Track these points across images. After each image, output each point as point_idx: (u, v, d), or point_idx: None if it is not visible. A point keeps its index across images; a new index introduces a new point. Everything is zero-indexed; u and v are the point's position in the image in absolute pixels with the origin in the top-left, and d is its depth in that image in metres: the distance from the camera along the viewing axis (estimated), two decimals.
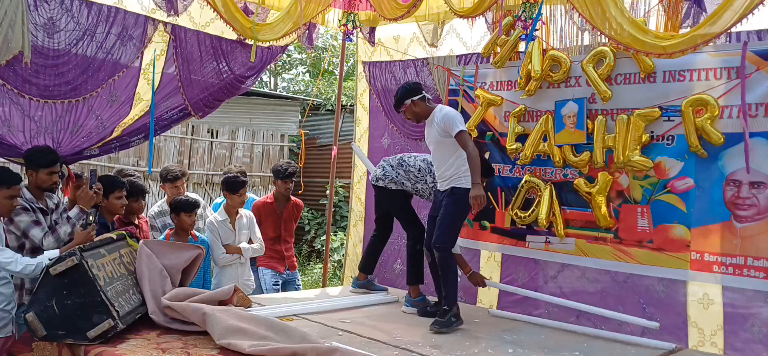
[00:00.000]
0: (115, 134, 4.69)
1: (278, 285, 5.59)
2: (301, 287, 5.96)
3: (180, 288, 3.91)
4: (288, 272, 5.73)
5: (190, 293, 3.79)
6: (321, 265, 9.62)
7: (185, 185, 5.44)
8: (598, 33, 4.23)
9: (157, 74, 4.82)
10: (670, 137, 4.29)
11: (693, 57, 4.13)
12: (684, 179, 4.22)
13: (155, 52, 4.81)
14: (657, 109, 4.31)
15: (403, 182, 4.82)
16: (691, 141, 4.12)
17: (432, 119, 4.41)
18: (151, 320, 3.63)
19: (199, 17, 4.99)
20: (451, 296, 4.18)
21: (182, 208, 4.75)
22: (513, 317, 4.57)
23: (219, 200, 6.14)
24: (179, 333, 3.48)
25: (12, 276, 3.58)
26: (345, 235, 7.59)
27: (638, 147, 4.37)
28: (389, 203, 4.95)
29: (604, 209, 4.56)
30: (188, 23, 4.96)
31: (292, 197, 5.88)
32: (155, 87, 4.78)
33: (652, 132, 4.37)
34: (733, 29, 3.85)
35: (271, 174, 5.97)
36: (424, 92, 4.49)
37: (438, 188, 4.51)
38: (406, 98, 4.45)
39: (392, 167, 4.87)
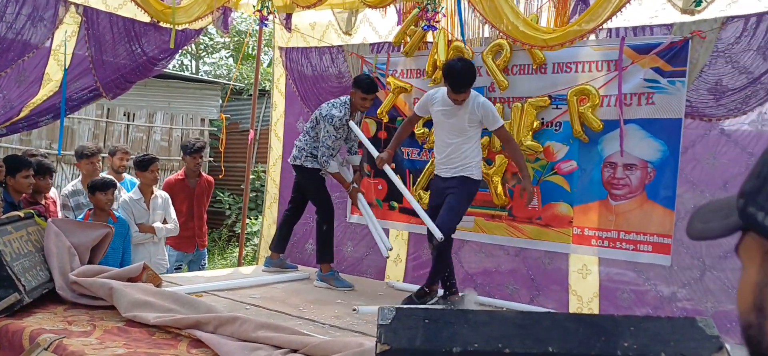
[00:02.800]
0: (23, 114, 4.68)
1: (180, 267, 5.69)
2: (206, 265, 6.06)
3: (89, 265, 3.97)
4: (197, 250, 5.84)
5: (99, 270, 3.86)
6: None
7: (100, 164, 5.46)
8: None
9: (68, 55, 4.82)
10: (558, 124, 4.69)
11: (578, 50, 4.53)
12: (569, 162, 4.63)
13: (66, 33, 4.81)
14: (547, 98, 4.69)
15: (311, 147, 4.91)
16: (575, 127, 4.53)
17: (464, 104, 4.19)
18: (59, 296, 3.69)
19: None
20: (434, 278, 4.34)
21: (98, 187, 4.77)
22: (415, 289, 4.86)
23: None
24: (86, 308, 3.56)
25: None
26: None
27: (530, 133, 4.74)
28: (303, 181, 5.07)
29: (499, 189, 4.93)
30: (100, 5, 4.98)
31: (204, 174, 5.98)
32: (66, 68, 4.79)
33: (542, 119, 4.75)
34: (612, 25, 4.29)
35: (181, 151, 6.04)
36: None
37: (438, 174, 4.47)
38: (472, 84, 4.15)
39: (300, 139, 5.03)
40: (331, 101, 4.97)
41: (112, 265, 4.36)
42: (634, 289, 4.31)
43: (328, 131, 4.76)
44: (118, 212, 5.06)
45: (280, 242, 5.33)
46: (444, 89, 4.25)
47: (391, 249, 4.92)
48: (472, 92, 4.21)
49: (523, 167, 4.29)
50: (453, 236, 5.21)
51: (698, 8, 4.03)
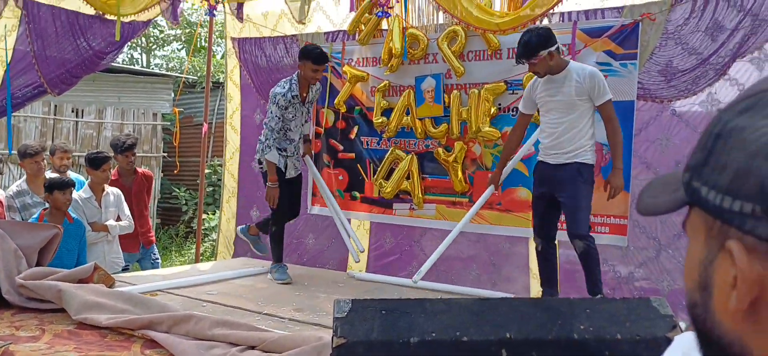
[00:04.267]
0: None
1: (127, 269, 5.47)
2: (159, 261, 5.87)
3: (37, 267, 3.83)
4: (143, 249, 5.67)
5: (48, 272, 3.73)
6: None
7: (45, 162, 5.25)
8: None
9: (8, 50, 4.62)
10: (515, 109, 4.69)
11: None
12: (526, 147, 4.64)
13: (6, 27, 4.61)
14: (503, 83, 4.70)
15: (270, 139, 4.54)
16: None
17: (566, 76, 3.75)
18: (5, 301, 3.55)
19: None
20: (599, 283, 3.78)
21: (56, 186, 4.62)
22: (376, 279, 4.85)
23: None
24: (35, 312, 3.44)
25: None
26: None
27: (488, 118, 4.75)
28: (262, 176, 4.72)
29: (460, 175, 4.93)
30: None
31: (140, 170, 5.80)
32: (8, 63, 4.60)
33: (499, 104, 4.76)
34: (564, 9, 4.31)
35: (111, 150, 5.76)
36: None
37: (545, 161, 3.93)
38: (542, 47, 3.67)
39: (261, 134, 4.66)
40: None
41: (67, 267, 4.21)
42: None
43: (271, 112, 4.50)
44: (74, 213, 4.90)
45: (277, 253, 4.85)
46: None
47: (363, 251, 4.82)
48: (577, 63, 3.91)
49: (619, 156, 3.75)
50: (417, 224, 5.21)
51: None
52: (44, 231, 4.06)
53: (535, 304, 1.86)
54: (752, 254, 0.52)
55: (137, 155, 5.72)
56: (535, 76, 3.92)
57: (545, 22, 4.38)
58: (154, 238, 5.90)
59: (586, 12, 4.42)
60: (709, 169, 0.56)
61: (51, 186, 4.61)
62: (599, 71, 3.83)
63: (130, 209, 5.49)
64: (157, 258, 5.86)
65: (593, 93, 3.70)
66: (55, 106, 8.89)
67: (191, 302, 3.91)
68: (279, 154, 4.62)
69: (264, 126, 4.62)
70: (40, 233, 4.03)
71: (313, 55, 4.49)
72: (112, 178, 5.62)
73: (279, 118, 4.53)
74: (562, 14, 4.46)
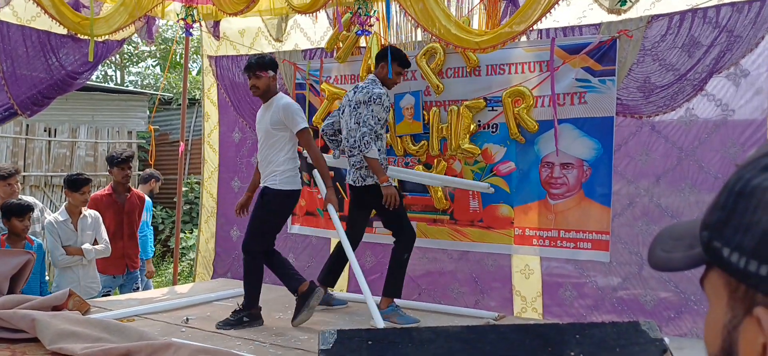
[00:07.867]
0: None
1: (109, 293, 5.33)
2: (140, 289, 5.73)
3: (8, 295, 3.72)
4: (128, 272, 5.54)
5: (20, 300, 3.62)
6: None
7: (19, 184, 5.10)
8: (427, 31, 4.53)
9: None
10: (494, 126, 4.70)
11: (510, 52, 4.56)
12: (507, 163, 4.64)
13: None
14: (482, 100, 4.70)
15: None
16: (511, 128, 4.55)
17: (270, 104, 4.08)
18: None
19: (24, 12, 4.72)
20: (250, 297, 4.01)
21: (13, 212, 4.51)
22: (357, 298, 4.78)
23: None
24: (7, 342, 3.32)
25: None
26: None
27: (467, 135, 4.73)
28: (378, 202, 4.22)
29: (440, 193, 4.90)
30: (12, 18, 4.68)
31: (135, 189, 5.68)
32: None
33: (478, 121, 4.76)
34: (542, 26, 4.32)
35: (107, 164, 5.68)
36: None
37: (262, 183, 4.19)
38: (268, 68, 4.06)
39: (356, 157, 4.35)
40: (360, 84, 4.39)
41: (32, 293, 4.10)
42: (576, 286, 4.36)
43: (373, 112, 4.15)
44: (36, 238, 4.78)
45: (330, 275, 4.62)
46: None
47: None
48: (282, 94, 4.21)
49: (325, 176, 4.12)
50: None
51: (623, 7, 4.11)
52: (15, 258, 3.95)
53: (524, 331, 1.83)
54: None
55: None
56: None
57: (523, 39, 4.40)
58: (139, 263, 5.75)
59: (564, 29, 4.43)
60: (731, 229, 0.53)
61: (8, 211, 4.51)
62: (295, 103, 4.19)
63: (118, 228, 5.37)
64: (139, 288, 5.71)
65: (288, 123, 3.99)
66: (27, 125, 8.70)
67: (170, 327, 3.82)
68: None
69: (360, 126, 4.19)
70: (11, 259, 3.92)
71: (400, 55, 4.38)
72: (105, 192, 5.51)
73: (378, 120, 4.21)
74: (540, 31, 4.47)
